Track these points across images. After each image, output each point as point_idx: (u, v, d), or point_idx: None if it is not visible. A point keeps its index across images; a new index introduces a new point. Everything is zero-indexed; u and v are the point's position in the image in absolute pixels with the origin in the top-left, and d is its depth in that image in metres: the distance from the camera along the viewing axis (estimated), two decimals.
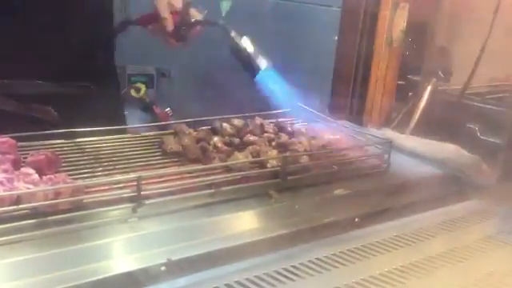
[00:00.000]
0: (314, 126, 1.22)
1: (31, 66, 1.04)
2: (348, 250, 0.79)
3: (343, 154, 1.09)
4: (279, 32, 1.99)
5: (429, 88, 1.53)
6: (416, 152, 1.17)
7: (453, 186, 1.08)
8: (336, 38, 1.56)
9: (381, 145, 1.12)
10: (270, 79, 1.09)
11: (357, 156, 1.10)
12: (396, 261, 0.77)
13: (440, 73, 1.55)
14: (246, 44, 1.11)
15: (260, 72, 1.08)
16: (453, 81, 1.60)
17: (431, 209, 0.98)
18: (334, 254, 0.77)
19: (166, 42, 1.21)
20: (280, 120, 1.21)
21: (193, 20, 1.19)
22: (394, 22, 1.44)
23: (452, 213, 0.98)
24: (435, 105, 1.51)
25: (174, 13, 1.18)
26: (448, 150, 1.17)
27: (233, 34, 1.12)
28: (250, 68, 1.09)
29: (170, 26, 1.17)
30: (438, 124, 1.44)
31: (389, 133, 1.30)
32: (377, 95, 1.44)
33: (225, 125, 1.13)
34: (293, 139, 1.09)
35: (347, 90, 1.45)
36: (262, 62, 1.10)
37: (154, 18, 1.19)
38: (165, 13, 1.16)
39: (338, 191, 0.97)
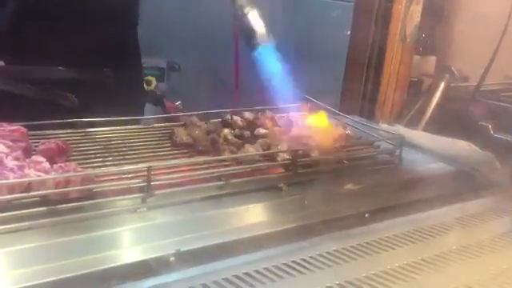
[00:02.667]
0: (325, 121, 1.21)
1: (54, 52, 1.04)
2: (358, 245, 0.78)
3: (354, 149, 1.08)
4: (291, 26, 1.98)
5: (442, 84, 1.52)
6: (428, 148, 1.16)
7: (465, 182, 1.07)
8: (348, 32, 1.55)
9: (392, 140, 1.11)
10: (268, 56, 1.06)
11: (368, 151, 1.09)
12: (407, 256, 0.76)
13: (453, 69, 1.53)
14: (254, 17, 1.08)
15: (259, 48, 1.06)
16: (466, 78, 1.58)
17: (443, 205, 0.97)
18: (344, 248, 0.76)
19: None
20: (291, 114, 1.20)
21: None
22: (408, 18, 1.43)
23: (464, 210, 0.97)
24: (448, 101, 1.50)
25: None
26: (461, 146, 1.16)
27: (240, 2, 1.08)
28: (250, 42, 1.06)
29: None
30: (451, 121, 1.43)
31: (401, 129, 1.29)
32: (389, 91, 1.43)
33: (235, 117, 1.12)
34: (304, 133, 1.08)
35: (359, 86, 1.44)
36: (264, 38, 1.06)
37: None
38: None
39: (349, 186, 0.96)
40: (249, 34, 1.07)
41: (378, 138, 1.14)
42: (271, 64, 1.05)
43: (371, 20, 1.44)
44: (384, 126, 1.29)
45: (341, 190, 0.95)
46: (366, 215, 0.90)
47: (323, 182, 0.95)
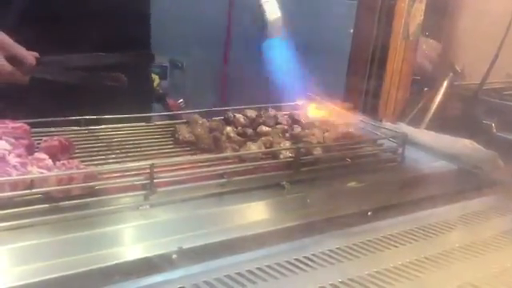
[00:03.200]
0: (328, 119, 1.21)
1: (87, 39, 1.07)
2: (361, 243, 0.78)
3: (357, 148, 1.08)
4: (293, 23, 1.97)
5: (445, 83, 1.51)
6: (431, 146, 1.16)
7: (468, 181, 1.06)
8: (351, 30, 1.54)
9: (395, 138, 1.11)
10: (276, 49, 1.06)
11: (370, 149, 1.09)
12: (410, 254, 0.75)
13: (457, 67, 1.53)
14: (271, 7, 1.07)
15: (268, 40, 1.05)
16: (469, 76, 1.58)
17: (446, 204, 0.96)
18: (347, 246, 0.76)
19: None
20: (294, 112, 1.20)
21: None
22: (411, 16, 1.43)
23: (467, 208, 0.96)
24: (451, 100, 1.49)
25: None
26: (463, 144, 1.16)
27: None
28: (262, 32, 1.06)
29: None
30: (454, 119, 1.43)
31: (403, 127, 1.28)
32: (392, 89, 1.42)
33: (238, 115, 1.12)
34: (306, 131, 1.08)
35: (362, 84, 1.43)
36: (275, 31, 1.06)
37: None
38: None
39: (351, 184, 0.96)
40: (262, 25, 1.06)
41: (381, 136, 1.14)
42: (277, 58, 1.05)
43: (374, 18, 1.44)
44: (387, 124, 1.28)
45: (343, 188, 0.95)
46: (369, 213, 0.89)
47: (326, 180, 0.95)
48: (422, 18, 1.44)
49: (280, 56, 1.05)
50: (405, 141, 1.08)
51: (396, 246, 0.79)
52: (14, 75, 0.99)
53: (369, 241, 0.79)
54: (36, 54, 1.01)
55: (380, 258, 0.74)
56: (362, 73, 1.46)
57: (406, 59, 1.43)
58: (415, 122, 1.43)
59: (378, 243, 0.79)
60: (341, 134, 1.11)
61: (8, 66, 0.98)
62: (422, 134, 1.24)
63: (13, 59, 0.99)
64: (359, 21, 1.49)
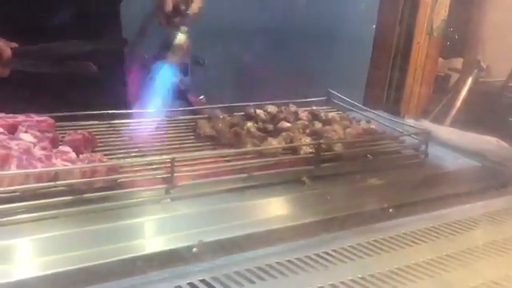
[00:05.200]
0: (349, 115, 1.20)
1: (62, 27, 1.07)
2: (382, 239, 0.77)
3: (378, 144, 1.07)
4: (315, 19, 1.96)
5: (469, 79, 1.49)
6: (455, 144, 1.14)
7: (492, 178, 1.04)
8: (374, 26, 1.53)
9: (418, 135, 1.09)
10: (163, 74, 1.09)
11: (393, 146, 1.08)
12: (432, 252, 0.74)
13: (482, 64, 1.50)
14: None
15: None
16: (495, 73, 1.55)
17: (469, 202, 0.95)
18: (367, 242, 0.76)
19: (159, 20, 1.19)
20: (314, 108, 1.20)
21: (187, 11, 1.17)
22: (435, 11, 1.41)
23: (491, 206, 0.94)
24: (476, 97, 1.47)
25: None
26: (488, 142, 1.14)
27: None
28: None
29: (167, 7, 1.14)
30: (478, 116, 1.40)
31: (426, 124, 1.27)
32: (415, 85, 1.41)
33: (259, 111, 1.12)
34: (327, 127, 1.08)
35: (384, 80, 1.42)
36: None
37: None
38: None
39: (373, 180, 0.95)
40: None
41: (403, 133, 1.13)
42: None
43: (397, 14, 1.42)
44: (409, 121, 1.27)
45: (364, 185, 0.94)
46: (390, 210, 0.89)
47: (346, 176, 0.94)
48: (447, 13, 1.42)
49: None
50: (428, 138, 1.06)
51: (418, 243, 0.78)
52: None
53: (390, 237, 0.78)
54: (14, 45, 0.99)
55: (401, 255, 0.74)
56: (384, 69, 1.45)
57: (429, 55, 1.42)
58: (439, 119, 1.41)
59: (399, 240, 0.78)
60: (362, 130, 1.10)
61: None
62: (446, 131, 1.22)
63: None
64: (382, 15, 1.47)
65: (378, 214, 0.87)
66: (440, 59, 1.51)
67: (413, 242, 0.78)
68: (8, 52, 0.97)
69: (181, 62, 1.13)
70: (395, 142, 1.10)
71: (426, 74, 1.41)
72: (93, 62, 1.02)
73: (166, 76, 1.10)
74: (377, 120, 1.19)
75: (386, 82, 1.41)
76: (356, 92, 1.35)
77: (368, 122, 1.16)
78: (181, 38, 1.13)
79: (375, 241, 0.77)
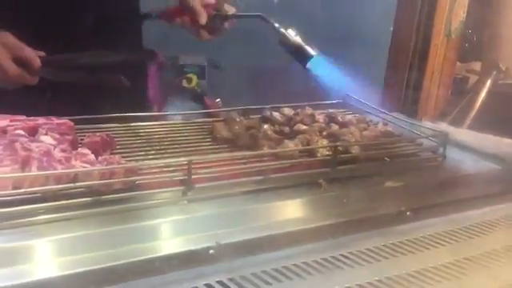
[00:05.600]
0: (366, 117, 1.20)
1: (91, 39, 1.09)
2: (400, 242, 0.77)
3: (396, 146, 1.06)
4: (331, 21, 1.96)
5: (488, 81, 1.47)
6: (473, 146, 1.13)
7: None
8: (391, 28, 1.52)
9: (436, 137, 1.08)
10: (320, 66, 1.08)
11: (410, 148, 1.07)
12: (450, 255, 0.74)
13: (501, 66, 1.48)
14: (292, 34, 1.10)
15: (310, 60, 1.07)
16: None
17: (488, 205, 0.94)
18: (384, 245, 0.75)
19: (197, 34, 1.21)
20: (331, 110, 1.20)
21: (229, 13, 1.19)
22: (453, 13, 1.39)
23: (510, 209, 0.93)
24: (494, 99, 1.45)
25: (207, 6, 1.18)
26: (507, 144, 1.12)
27: (277, 25, 1.11)
28: (301, 57, 1.08)
29: (203, 20, 1.17)
30: (497, 118, 1.38)
31: (444, 126, 1.26)
32: (432, 87, 1.39)
33: (275, 113, 1.12)
34: (343, 129, 1.08)
35: (401, 82, 1.41)
36: (311, 50, 1.08)
37: (181, 11, 1.20)
38: (198, 7, 1.16)
39: (389, 183, 0.94)
40: (296, 51, 1.08)
41: (421, 136, 1.12)
42: (326, 73, 1.07)
43: (415, 16, 1.41)
44: (427, 123, 1.26)
45: (381, 187, 0.93)
46: (408, 213, 0.88)
47: (363, 179, 0.94)
48: (465, 15, 1.41)
49: (326, 72, 1.07)
50: (446, 140, 1.05)
51: (435, 247, 0.77)
52: (23, 76, 0.99)
53: (407, 240, 0.78)
54: (42, 54, 1.01)
55: (419, 258, 0.73)
56: (401, 71, 1.44)
57: (447, 57, 1.40)
58: (457, 122, 1.39)
59: (417, 243, 0.77)
60: (379, 133, 1.09)
61: (16, 68, 0.98)
62: (464, 134, 1.21)
63: (20, 60, 0.99)
64: (399, 17, 1.46)
65: (396, 216, 0.87)
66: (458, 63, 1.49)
67: (431, 245, 0.77)
68: (38, 61, 0.99)
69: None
70: (412, 145, 1.09)
71: (443, 76, 1.39)
72: (117, 69, 1.04)
73: (323, 68, 1.10)
74: (394, 122, 1.18)
75: (403, 84, 1.40)
76: (373, 94, 1.34)
77: (385, 124, 1.16)
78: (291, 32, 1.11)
79: (393, 244, 0.76)
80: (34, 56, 0.99)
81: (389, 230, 0.83)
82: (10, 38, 0.99)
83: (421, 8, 1.39)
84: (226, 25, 1.20)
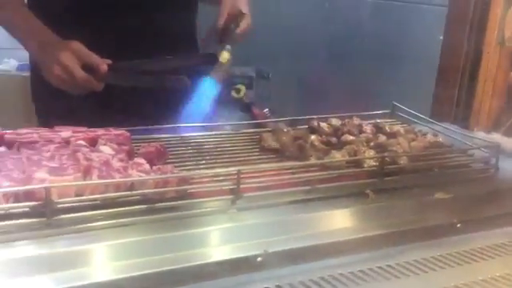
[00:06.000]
0: (415, 128, 1.19)
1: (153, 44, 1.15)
2: (448, 254, 0.76)
3: (446, 157, 1.05)
4: (380, 32, 1.95)
5: None
6: None
7: None
8: (441, 37, 1.50)
9: (488, 148, 1.06)
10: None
11: (461, 159, 1.05)
12: (500, 268, 0.72)
13: None
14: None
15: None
16: None
17: None
18: (432, 257, 0.75)
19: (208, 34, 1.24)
20: (378, 121, 1.19)
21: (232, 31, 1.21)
22: (507, 20, 1.36)
23: None
24: None
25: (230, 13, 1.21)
26: None
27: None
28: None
29: (220, 23, 1.19)
30: None
31: (498, 137, 1.22)
32: (485, 97, 1.36)
33: (322, 124, 1.13)
34: (391, 140, 1.07)
35: (452, 91, 1.39)
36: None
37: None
38: (223, 10, 1.20)
39: (439, 194, 0.93)
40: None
41: (472, 146, 1.10)
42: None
43: (466, 24, 1.39)
44: (479, 133, 1.23)
45: (431, 199, 0.92)
46: (458, 225, 0.87)
47: (412, 190, 0.93)
48: None
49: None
50: (498, 151, 1.03)
51: (486, 259, 0.76)
52: (91, 82, 1.04)
53: (457, 252, 0.77)
54: (108, 62, 1.06)
55: (468, 271, 0.72)
56: (452, 80, 1.41)
57: (500, 65, 1.37)
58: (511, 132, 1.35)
59: (466, 255, 0.76)
60: (428, 144, 1.08)
61: (84, 74, 1.03)
62: None
63: (88, 67, 1.04)
64: (450, 27, 1.44)
65: (445, 228, 0.86)
66: None
67: (480, 257, 0.76)
68: (104, 67, 1.04)
69: (222, 78, 1.17)
70: (464, 156, 1.07)
71: (496, 85, 1.36)
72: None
73: (208, 91, 1.15)
74: (444, 133, 1.17)
75: (454, 93, 1.38)
76: (422, 105, 1.33)
77: (435, 134, 1.14)
78: (224, 55, 1.17)
79: (441, 255, 0.76)
80: (101, 62, 1.05)
81: (438, 241, 0.82)
82: (79, 45, 1.06)
83: (472, 16, 1.37)
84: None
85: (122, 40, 1.16)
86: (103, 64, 1.05)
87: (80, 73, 1.03)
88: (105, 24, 1.16)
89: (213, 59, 1.13)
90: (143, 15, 1.20)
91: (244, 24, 1.20)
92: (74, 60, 1.03)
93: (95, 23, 1.15)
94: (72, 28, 1.10)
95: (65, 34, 1.09)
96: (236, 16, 1.19)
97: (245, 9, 1.21)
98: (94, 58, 1.05)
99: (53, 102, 1.15)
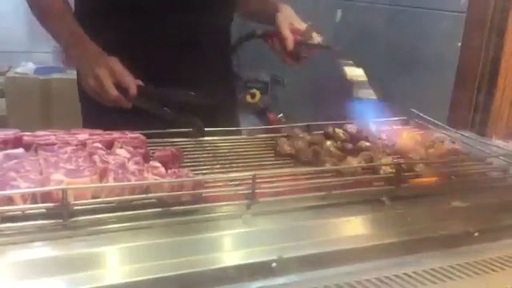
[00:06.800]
0: (432, 135, 1.18)
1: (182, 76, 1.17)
2: (466, 263, 0.75)
3: (463, 165, 1.04)
4: (396, 40, 1.94)
5: None
6: None
7: None
8: (459, 44, 1.49)
9: (506, 157, 1.05)
10: (368, 110, 1.10)
11: (478, 168, 1.04)
12: None
13: None
14: (357, 73, 1.12)
15: (360, 102, 1.09)
16: None
17: None
18: (450, 266, 0.74)
19: (284, 59, 1.25)
20: (395, 127, 1.19)
21: (314, 42, 1.22)
22: None
23: None
24: None
25: (295, 32, 1.21)
26: None
27: (346, 61, 1.13)
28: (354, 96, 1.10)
29: (290, 45, 1.21)
30: None
31: None
32: (504, 104, 1.34)
33: (338, 130, 1.13)
34: (408, 147, 1.06)
35: (470, 99, 1.37)
36: (365, 93, 1.10)
37: (276, 35, 1.24)
38: (286, 32, 1.20)
39: (456, 203, 0.92)
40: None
41: (490, 154, 1.08)
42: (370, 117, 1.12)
43: (484, 31, 1.37)
44: (498, 141, 1.21)
45: (448, 207, 0.91)
46: (476, 234, 0.85)
47: (429, 198, 0.92)
48: None
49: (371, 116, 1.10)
50: None
51: (504, 269, 0.74)
52: (119, 100, 1.07)
53: (475, 262, 0.76)
54: (140, 83, 1.09)
55: (485, 280, 0.71)
56: (470, 88, 1.40)
57: None
58: None
59: (484, 265, 0.75)
60: (446, 151, 1.07)
61: (114, 91, 1.06)
62: None
63: (119, 85, 1.07)
64: (468, 34, 1.43)
65: (462, 237, 0.85)
66: None
67: (498, 267, 0.75)
68: (134, 90, 1.07)
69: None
70: (481, 164, 1.06)
71: None
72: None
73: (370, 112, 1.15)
74: (462, 140, 1.15)
75: (472, 101, 1.36)
76: (439, 113, 1.31)
77: (452, 142, 1.13)
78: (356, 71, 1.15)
79: (458, 264, 0.75)
80: (132, 84, 1.08)
81: (455, 250, 0.81)
82: (116, 62, 1.09)
83: (491, 23, 1.36)
84: (310, 53, 1.23)
85: (159, 61, 1.19)
86: (133, 87, 1.07)
87: (112, 90, 1.07)
88: (147, 43, 1.19)
89: (233, 103, 1.13)
90: (185, 41, 1.22)
91: (317, 38, 1.21)
92: (109, 77, 1.07)
93: (138, 40, 1.19)
94: (114, 42, 1.14)
95: (107, 46, 1.13)
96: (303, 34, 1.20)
97: (301, 24, 1.22)
98: (128, 79, 1.08)
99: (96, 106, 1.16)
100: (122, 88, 1.07)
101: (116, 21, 1.20)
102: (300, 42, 1.21)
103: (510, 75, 1.34)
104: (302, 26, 1.23)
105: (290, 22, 1.22)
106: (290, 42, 1.21)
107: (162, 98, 1.11)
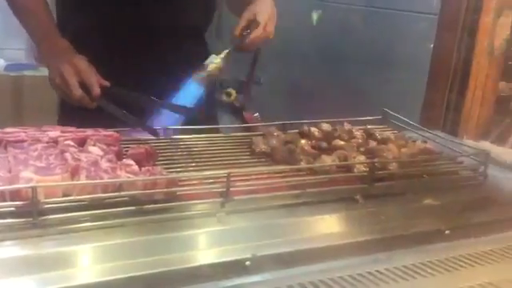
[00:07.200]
0: (405, 135, 1.19)
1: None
2: (437, 260, 0.76)
3: (435, 164, 1.05)
4: (371, 39, 1.96)
5: None
6: None
7: None
8: (431, 45, 1.51)
9: (477, 156, 1.07)
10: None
11: (450, 167, 1.06)
12: (488, 275, 0.73)
13: None
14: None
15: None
16: None
17: None
18: (421, 263, 0.75)
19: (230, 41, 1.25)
20: (369, 126, 1.20)
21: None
22: (497, 31, 1.38)
23: None
24: None
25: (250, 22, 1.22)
26: None
27: None
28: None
29: (237, 30, 1.21)
30: None
31: (487, 145, 1.23)
32: (474, 105, 1.38)
33: (313, 129, 1.13)
34: (382, 146, 1.08)
35: (442, 99, 1.40)
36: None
37: None
38: (242, 18, 1.22)
39: (428, 201, 0.94)
40: None
41: (461, 154, 1.11)
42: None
43: (456, 32, 1.40)
44: (468, 141, 1.24)
45: (419, 205, 0.93)
46: (447, 232, 0.87)
47: (401, 196, 0.93)
48: (509, 32, 1.39)
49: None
50: (487, 159, 1.04)
51: (474, 266, 0.76)
52: (83, 100, 1.07)
53: (445, 259, 0.77)
54: (106, 84, 1.08)
55: (456, 277, 0.72)
56: (442, 89, 1.43)
57: (490, 75, 1.38)
58: (500, 141, 1.36)
59: (454, 262, 0.76)
60: (418, 150, 1.09)
61: (78, 90, 1.06)
62: (508, 153, 1.19)
63: (84, 85, 1.07)
64: (440, 36, 1.46)
65: (434, 234, 0.86)
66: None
67: (469, 264, 0.76)
68: (97, 90, 1.07)
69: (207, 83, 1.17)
70: (453, 163, 1.08)
71: (486, 95, 1.37)
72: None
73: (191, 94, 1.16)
74: (434, 140, 1.17)
75: (443, 102, 1.39)
76: (412, 113, 1.33)
77: (424, 141, 1.15)
78: (217, 61, 1.18)
79: (429, 262, 0.76)
80: (95, 85, 1.07)
81: (427, 247, 0.82)
82: (82, 61, 1.08)
83: (462, 26, 1.38)
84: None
85: (129, 60, 1.18)
86: (96, 87, 1.07)
87: (76, 89, 1.06)
88: (117, 41, 1.18)
89: (189, 113, 1.14)
90: (156, 35, 1.22)
91: (256, 32, 1.20)
92: (73, 75, 1.06)
93: (108, 39, 1.17)
94: (90, 29, 1.14)
95: (79, 46, 1.12)
96: (250, 24, 1.20)
97: (261, 18, 1.22)
98: (92, 79, 1.07)
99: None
100: (85, 88, 1.07)
101: (93, 8, 1.19)
102: (241, 32, 1.21)
103: (481, 76, 1.37)
104: (261, 20, 1.22)
105: (254, 13, 1.22)
106: (237, 28, 1.21)
107: (128, 100, 1.10)
